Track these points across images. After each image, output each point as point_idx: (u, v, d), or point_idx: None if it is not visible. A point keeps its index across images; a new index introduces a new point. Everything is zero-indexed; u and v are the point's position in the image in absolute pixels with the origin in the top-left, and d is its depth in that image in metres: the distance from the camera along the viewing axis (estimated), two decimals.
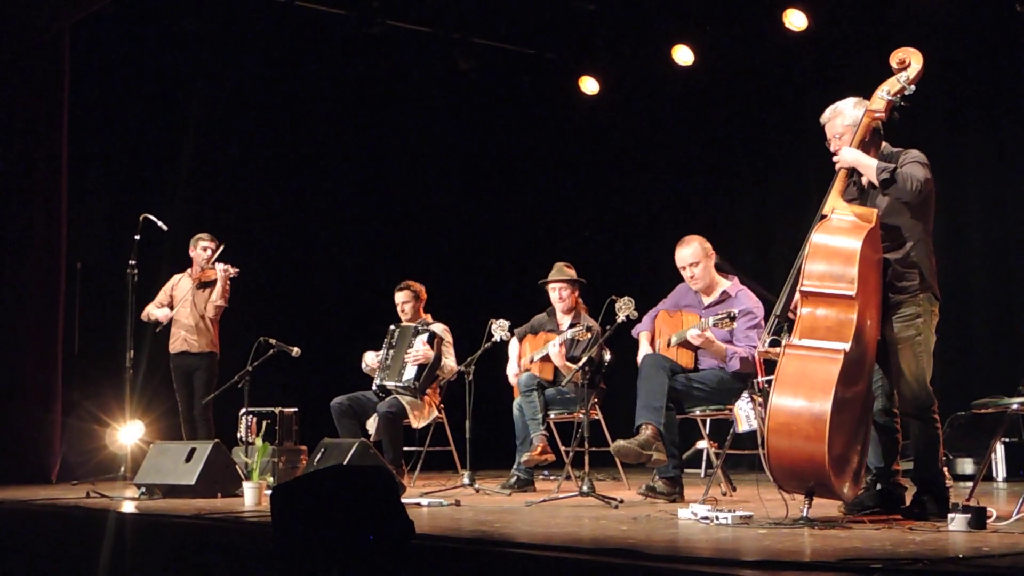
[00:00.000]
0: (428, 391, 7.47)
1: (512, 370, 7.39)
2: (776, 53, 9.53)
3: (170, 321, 8.09)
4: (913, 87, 4.63)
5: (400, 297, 7.77)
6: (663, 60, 10.11)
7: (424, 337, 7.47)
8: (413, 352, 7.44)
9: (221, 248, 8.11)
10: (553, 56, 11.09)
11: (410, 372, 7.41)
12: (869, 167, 4.63)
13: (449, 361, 7.55)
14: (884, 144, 4.78)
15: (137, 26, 9.55)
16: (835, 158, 4.74)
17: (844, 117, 4.80)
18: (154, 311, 8.15)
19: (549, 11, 10.19)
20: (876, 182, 4.60)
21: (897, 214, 4.65)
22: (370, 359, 7.70)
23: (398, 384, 7.40)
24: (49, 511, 6.00)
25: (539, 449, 6.78)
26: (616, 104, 10.93)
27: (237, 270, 8.07)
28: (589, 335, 6.76)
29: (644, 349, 6.19)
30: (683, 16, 9.79)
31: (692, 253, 6.09)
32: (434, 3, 10.02)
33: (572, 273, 7.26)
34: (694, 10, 9.69)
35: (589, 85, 10.88)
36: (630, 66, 10.62)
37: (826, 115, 4.88)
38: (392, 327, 7.74)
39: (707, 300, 6.16)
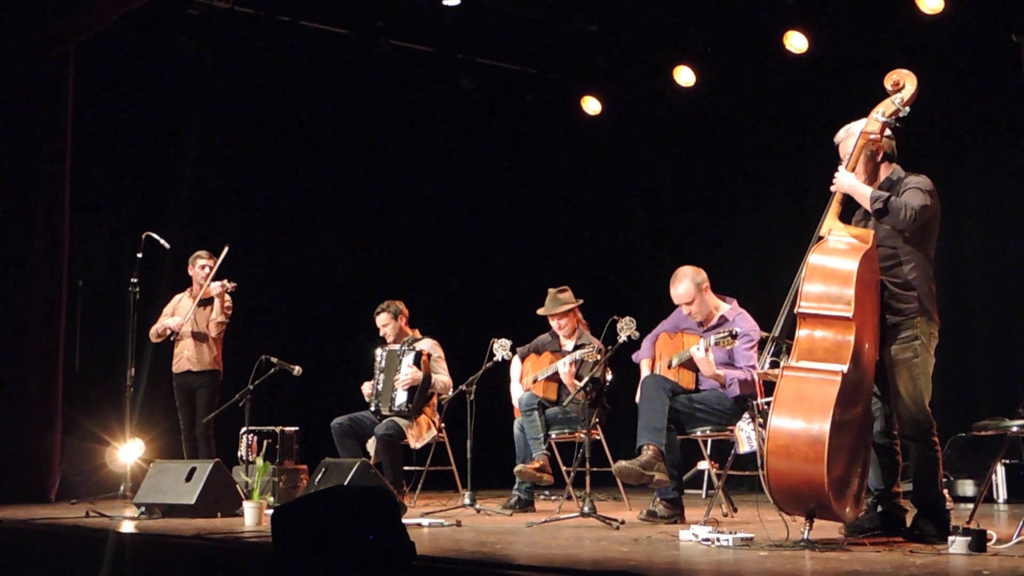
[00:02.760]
0: (425, 409, 7.45)
1: (516, 391, 7.36)
2: (777, 75, 9.57)
3: (173, 340, 8.09)
4: (908, 108, 4.62)
5: (380, 320, 7.69)
6: (665, 81, 10.14)
7: (409, 359, 7.40)
8: (401, 376, 7.38)
9: (220, 260, 8.02)
10: (555, 76, 11.13)
11: (401, 397, 7.37)
12: (863, 195, 4.63)
13: (441, 376, 7.50)
14: (895, 167, 4.77)
15: (141, 47, 9.58)
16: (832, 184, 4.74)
17: (856, 138, 4.77)
18: (164, 320, 8.12)
19: (551, 31, 10.24)
20: (870, 210, 4.61)
21: (897, 237, 4.64)
22: (367, 389, 7.67)
23: (392, 409, 7.38)
24: (48, 530, 5.98)
25: (537, 464, 6.75)
26: (618, 124, 10.96)
27: (234, 284, 8.05)
28: (599, 356, 6.60)
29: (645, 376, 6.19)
30: (685, 37, 9.83)
31: (685, 292, 6.06)
32: (437, 23, 10.05)
33: (566, 297, 7.18)
34: (696, 32, 9.74)
35: (591, 105, 10.91)
36: (632, 87, 10.66)
37: (839, 135, 4.88)
38: (378, 351, 7.66)
39: (706, 324, 6.17)
